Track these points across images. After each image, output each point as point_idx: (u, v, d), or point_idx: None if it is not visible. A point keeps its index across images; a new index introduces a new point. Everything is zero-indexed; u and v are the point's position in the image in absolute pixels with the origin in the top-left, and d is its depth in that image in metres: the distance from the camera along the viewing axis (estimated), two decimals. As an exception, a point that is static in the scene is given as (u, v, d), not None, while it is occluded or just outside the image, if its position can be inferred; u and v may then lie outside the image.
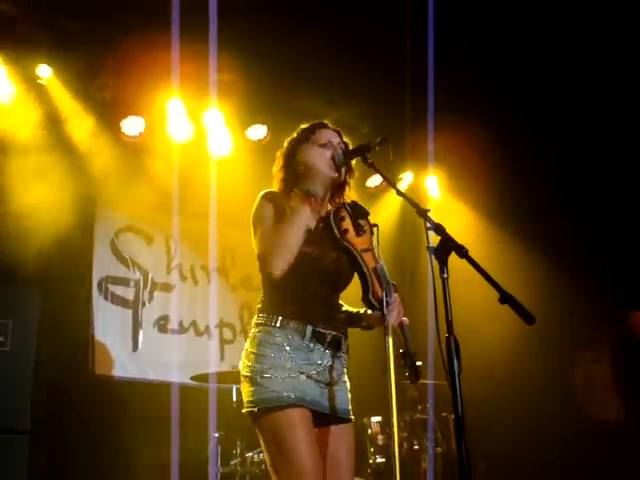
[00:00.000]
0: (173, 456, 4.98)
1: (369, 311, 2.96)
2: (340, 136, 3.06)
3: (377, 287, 2.85)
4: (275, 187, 3.03)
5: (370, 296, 2.84)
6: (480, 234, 6.42)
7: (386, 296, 2.83)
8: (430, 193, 7.13)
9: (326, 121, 3.12)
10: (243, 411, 2.81)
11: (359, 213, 2.94)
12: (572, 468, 5.72)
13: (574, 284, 5.97)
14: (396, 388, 5.59)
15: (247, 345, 2.86)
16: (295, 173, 2.97)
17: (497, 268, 2.80)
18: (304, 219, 2.79)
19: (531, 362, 6.08)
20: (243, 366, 2.83)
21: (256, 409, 2.73)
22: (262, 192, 2.93)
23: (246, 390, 2.80)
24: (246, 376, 2.80)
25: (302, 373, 2.78)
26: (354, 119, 6.46)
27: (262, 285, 2.93)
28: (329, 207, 3.03)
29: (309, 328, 2.81)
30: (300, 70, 5.86)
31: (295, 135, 3.08)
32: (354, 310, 3.06)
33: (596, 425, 5.95)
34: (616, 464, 5.54)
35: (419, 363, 2.76)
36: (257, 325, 2.86)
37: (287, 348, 2.78)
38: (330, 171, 2.94)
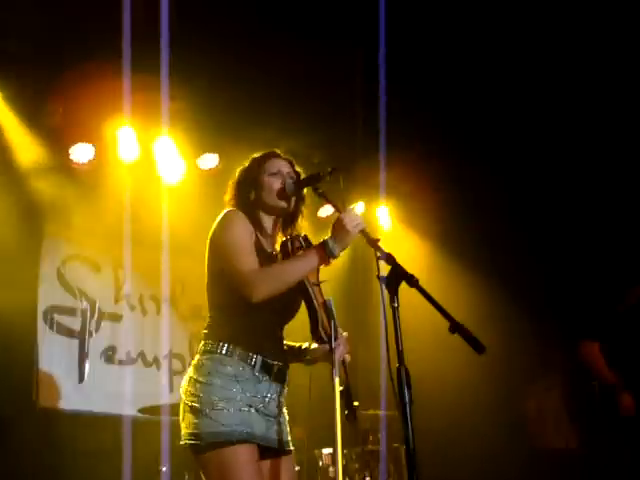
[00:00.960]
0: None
1: (313, 345, 2.98)
2: (292, 165, 3.06)
3: (326, 322, 2.86)
4: None
5: (320, 329, 2.83)
6: (430, 263, 6.46)
7: (334, 331, 2.86)
8: (381, 223, 7.18)
9: (278, 150, 3.11)
10: (182, 443, 2.70)
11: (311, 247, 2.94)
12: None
13: (524, 312, 6.05)
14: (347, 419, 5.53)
15: (191, 372, 2.76)
16: (246, 201, 2.95)
17: (447, 297, 2.80)
18: (313, 267, 2.75)
19: (481, 391, 6.11)
20: (187, 394, 2.72)
21: (202, 443, 2.63)
22: (228, 210, 2.87)
23: (190, 421, 2.68)
24: (192, 406, 2.69)
25: (251, 406, 2.73)
26: (306, 149, 6.47)
27: (210, 311, 2.88)
28: (280, 237, 3.02)
29: (259, 358, 2.77)
30: (252, 99, 5.87)
31: (246, 164, 3.06)
32: (296, 344, 3.05)
33: (547, 453, 5.98)
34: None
35: (356, 403, 2.81)
36: (205, 352, 2.77)
37: (238, 379, 2.71)
38: (279, 201, 2.94)
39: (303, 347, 3.03)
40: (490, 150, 6.36)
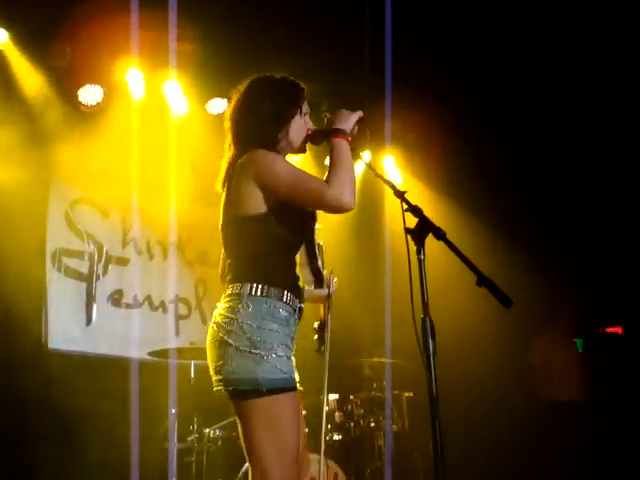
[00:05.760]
0: (133, 431, 4.93)
1: (307, 287, 2.95)
2: None
3: (322, 264, 2.94)
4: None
5: (322, 271, 2.92)
6: (435, 213, 6.44)
7: (331, 276, 3.10)
8: (387, 172, 7.15)
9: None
10: (234, 388, 2.62)
11: None
12: (526, 449, 5.86)
13: (532, 262, 6.08)
14: (352, 367, 5.68)
15: (240, 316, 2.62)
16: (273, 139, 2.81)
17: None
18: (349, 152, 2.77)
19: (494, 343, 6.17)
20: (237, 339, 2.59)
21: (264, 389, 2.57)
22: (259, 151, 2.73)
23: (245, 366, 2.58)
24: (249, 352, 2.57)
25: (291, 350, 2.73)
26: (314, 97, 6.40)
27: (247, 248, 2.73)
28: None
29: (297, 302, 2.77)
30: (260, 46, 5.80)
31: (280, 94, 2.88)
32: None
33: (552, 406, 6.08)
34: (569, 445, 5.69)
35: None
36: (252, 296, 2.65)
37: (289, 323, 2.71)
38: (304, 146, 2.91)
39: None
40: (497, 99, 6.32)
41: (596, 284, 6.28)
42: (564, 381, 6.15)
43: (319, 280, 2.92)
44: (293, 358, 2.74)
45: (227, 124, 2.92)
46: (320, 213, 2.92)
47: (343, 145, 2.74)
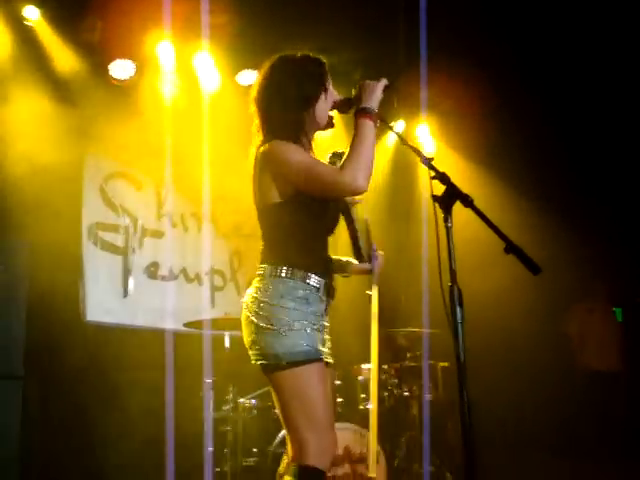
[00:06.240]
0: (168, 401, 4.99)
1: (352, 261, 3.11)
2: None
3: (365, 241, 3.04)
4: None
5: (363, 250, 3.01)
6: (472, 183, 6.39)
7: (374, 250, 3.13)
8: (421, 142, 7.06)
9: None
10: (259, 363, 2.76)
11: None
12: (562, 419, 5.82)
13: (571, 232, 5.99)
14: (387, 336, 5.66)
15: (259, 295, 2.77)
16: (301, 116, 2.82)
17: (492, 217, 2.78)
18: (374, 133, 2.76)
19: (525, 312, 6.11)
20: (258, 317, 2.74)
21: (282, 362, 2.70)
22: (276, 142, 2.75)
23: (266, 342, 2.72)
24: (266, 328, 2.71)
25: (315, 325, 2.80)
26: (347, 65, 6.37)
27: (271, 233, 2.87)
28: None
29: (323, 282, 2.84)
30: (292, 15, 5.76)
31: (304, 76, 2.85)
32: (342, 259, 3.13)
33: (588, 376, 6.03)
34: (606, 415, 5.64)
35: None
36: (273, 276, 2.77)
37: (310, 301, 2.78)
38: (330, 124, 2.92)
39: (342, 262, 3.12)
40: (541, 64, 6.16)
41: (635, 254, 6.16)
42: (602, 351, 6.08)
43: (359, 257, 3.04)
44: (318, 332, 2.81)
45: (253, 108, 2.93)
46: None
47: (366, 125, 2.74)
